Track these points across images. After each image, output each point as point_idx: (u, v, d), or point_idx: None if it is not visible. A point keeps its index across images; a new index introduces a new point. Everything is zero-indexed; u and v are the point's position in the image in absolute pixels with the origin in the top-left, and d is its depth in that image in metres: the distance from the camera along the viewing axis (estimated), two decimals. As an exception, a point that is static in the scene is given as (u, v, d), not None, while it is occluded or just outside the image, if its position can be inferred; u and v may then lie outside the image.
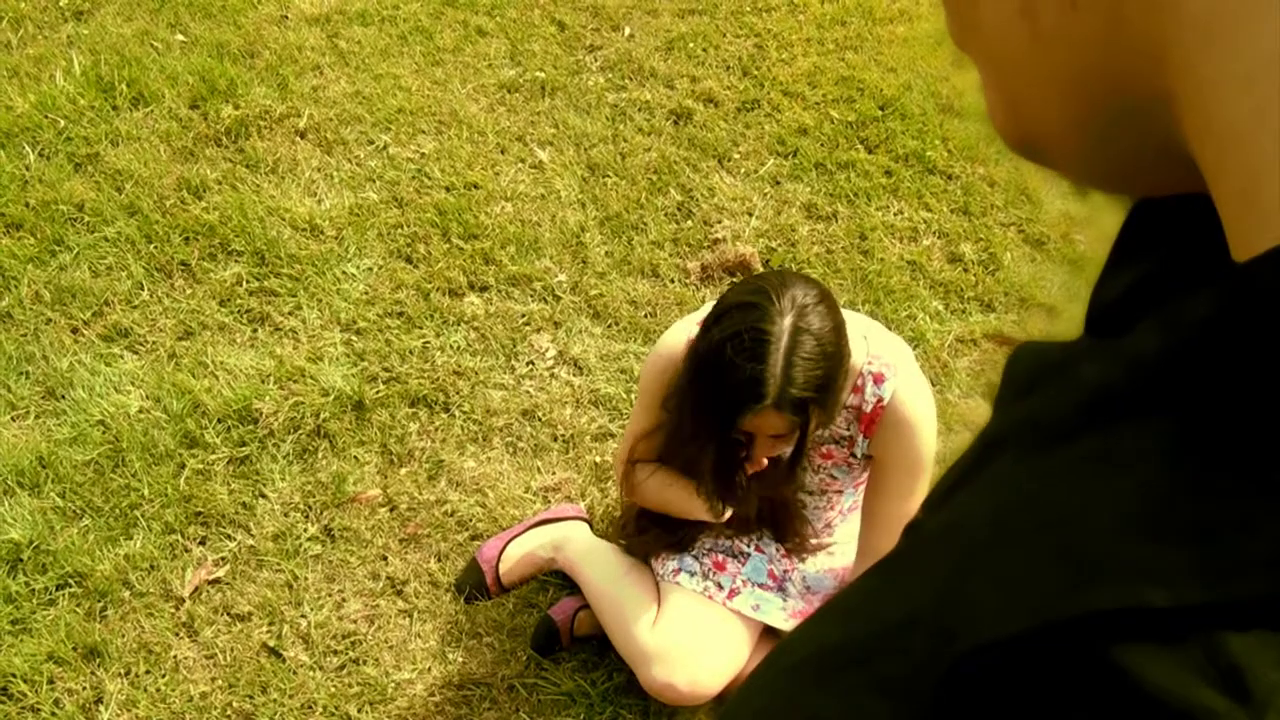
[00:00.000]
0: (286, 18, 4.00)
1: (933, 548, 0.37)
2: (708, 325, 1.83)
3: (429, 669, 2.20)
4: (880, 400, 1.95)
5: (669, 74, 3.86)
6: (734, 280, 3.08)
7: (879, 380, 1.95)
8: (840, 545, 2.27)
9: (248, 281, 2.96)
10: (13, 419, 2.60)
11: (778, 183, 3.44)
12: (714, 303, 1.89)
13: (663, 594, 2.19)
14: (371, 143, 3.47)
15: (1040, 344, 0.38)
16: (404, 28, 3.98)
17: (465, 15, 4.07)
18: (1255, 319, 0.26)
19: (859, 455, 2.03)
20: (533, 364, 2.81)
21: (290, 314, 2.88)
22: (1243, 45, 0.27)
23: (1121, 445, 0.29)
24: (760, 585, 2.19)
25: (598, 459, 2.60)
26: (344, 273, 3.00)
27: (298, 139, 3.47)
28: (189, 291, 2.94)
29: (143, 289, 2.94)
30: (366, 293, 2.96)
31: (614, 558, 2.28)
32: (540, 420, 2.67)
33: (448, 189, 3.31)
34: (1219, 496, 0.26)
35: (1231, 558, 0.26)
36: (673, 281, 3.06)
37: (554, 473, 2.57)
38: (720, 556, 2.21)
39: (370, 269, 3.03)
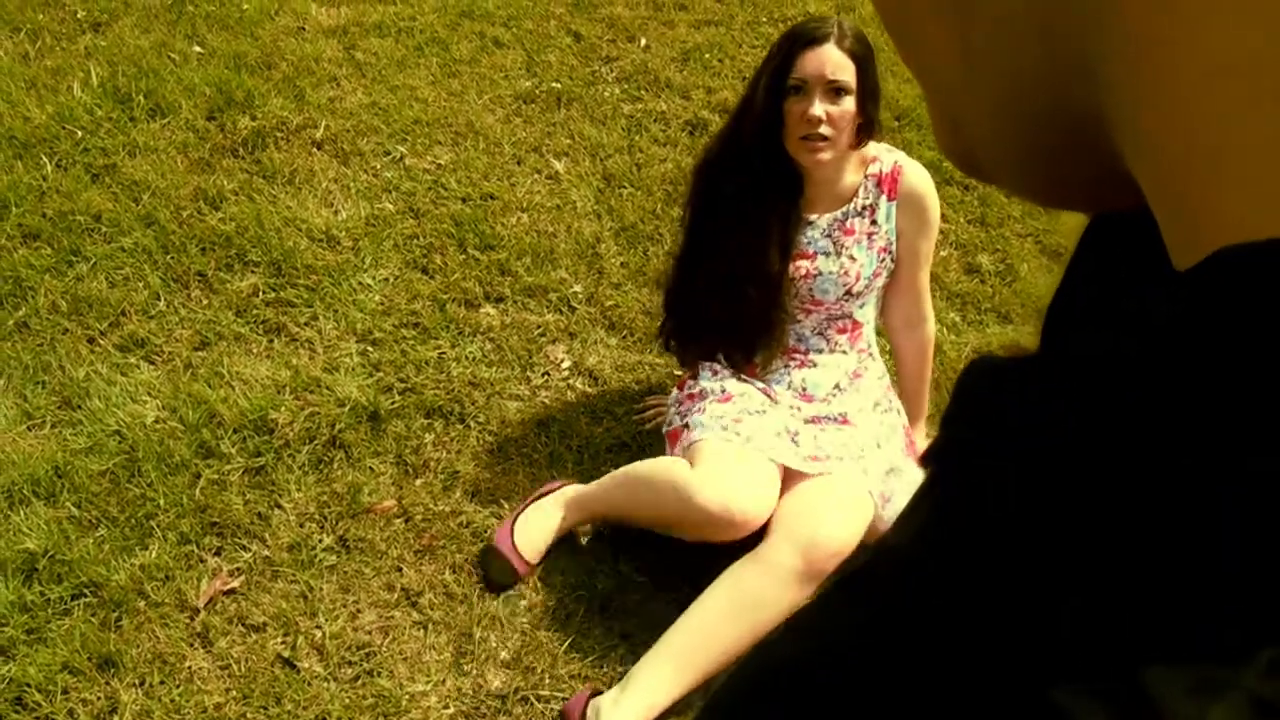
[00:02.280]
0: (304, 29, 4.02)
1: (886, 569, 0.36)
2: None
3: (443, 681, 2.19)
4: (896, 165, 2.36)
5: (685, 85, 3.86)
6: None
7: (889, 154, 2.40)
8: (853, 414, 2.42)
9: (264, 292, 2.97)
10: (29, 428, 2.61)
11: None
12: None
13: (690, 454, 2.29)
14: (388, 154, 3.47)
15: (994, 359, 0.37)
16: (420, 39, 3.99)
17: (482, 26, 4.08)
18: (1193, 326, 0.26)
19: (880, 226, 2.35)
20: (548, 375, 2.80)
21: (306, 324, 2.88)
22: (1174, 62, 0.26)
23: (1069, 460, 0.29)
24: (776, 435, 2.30)
25: (613, 470, 2.60)
26: (360, 283, 3.00)
27: (314, 150, 3.48)
28: (205, 302, 2.94)
29: (159, 299, 2.94)
30: (382, 303, 2.95)
31: (621, 470, 2.38)
32: (555, 431, 2.66)
33: (464, 200, 3.31)
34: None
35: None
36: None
37: (570, 483, 2.56)
38: (738, 414, 2.32)
39: (386, 279, 3.03)
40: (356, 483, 2.51)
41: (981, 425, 0.34)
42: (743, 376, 2.47)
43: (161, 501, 2.45)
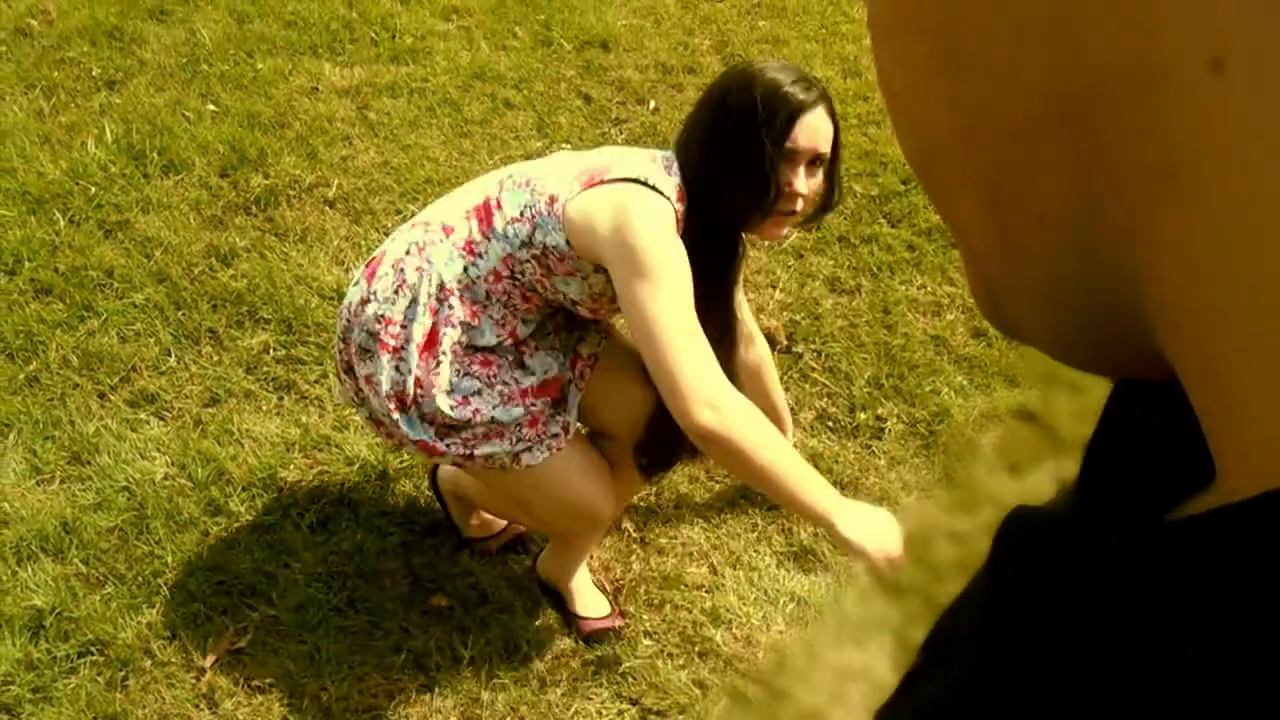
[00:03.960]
0: (317, 89, 4.06)
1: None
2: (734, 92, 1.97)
3: (450, 745, 2.17)
4: None
5: (693, 147, 3.90)
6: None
7: None
8: None
9: (274, 349, 2.98)
10: (37, 484, 2.61)
11: (801, 256, 3.46)
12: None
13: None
14: (399, 212, 3.50)
15: (1031, 513, 0.38)
16: (433, 100, 4.03)
17: (493, 88, 4.12)
18: (1243, 567, 0.26)
19: None
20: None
21: (316, 382, 2.89)
22: (1224, 280, 0.26)
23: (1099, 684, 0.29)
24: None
25: (619, 525, 2.60)
26: (370, 341, 3.01)
27: (326, 208, 3.51)
28: (216, 358, 2.95)
29: (170, 355, 2.95)
30: (392, 362, 2.96)
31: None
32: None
33: (474, 259, 3.33)
34: None
35: None
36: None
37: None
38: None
39: (396, 338, 3.04)
40: (364, 542, 2.51)
41: (1022, 585, 0.35)
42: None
43: (169, 559, 2.44)
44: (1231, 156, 0.24)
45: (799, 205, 1.99)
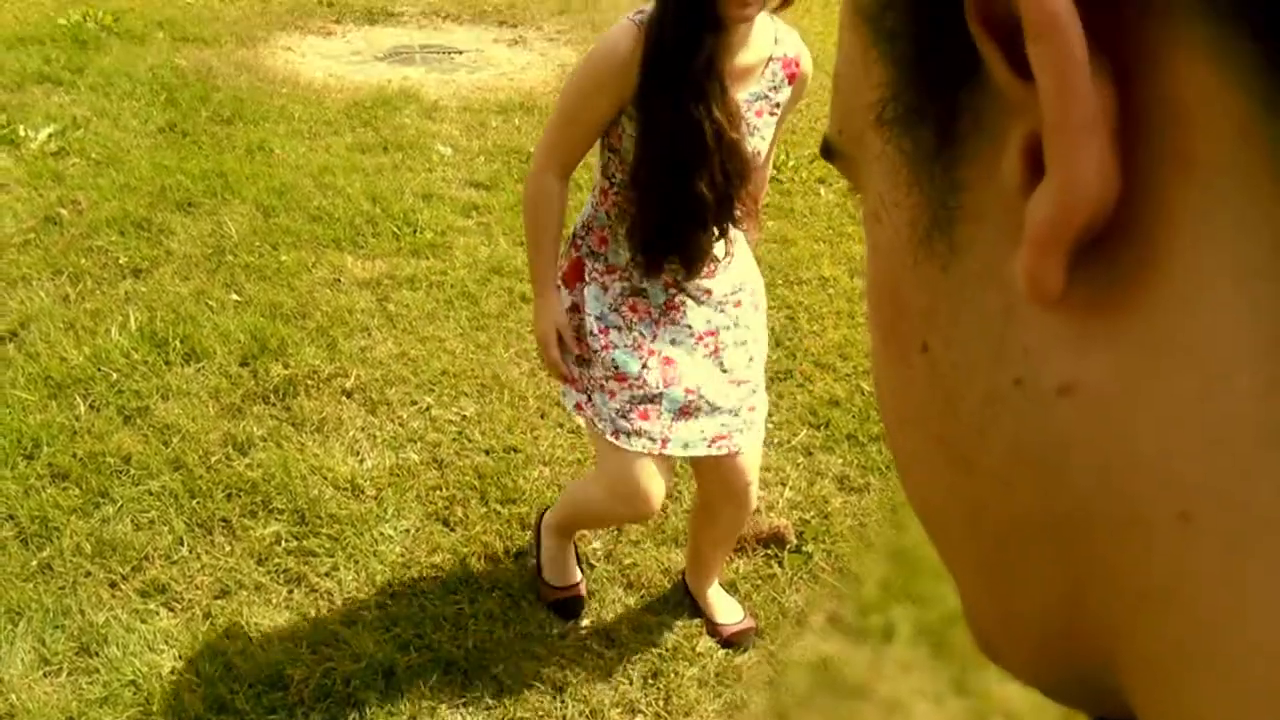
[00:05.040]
0: (339, 281, 4.18)
1: None
2: None
3: None
4: (797, 53, 2.34)
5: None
6: (769, 554, 3.10)
7: (788, 36, 2.35)
8: (739, 278, 2.52)
9: (286, 540, 2.99)
10: (44, 675, 2.59)
11: (810, 453, 3.50)
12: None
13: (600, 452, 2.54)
14: (415, 403, 3.56)
15: None
16: (451, 293, 4.14)
17: (510, 282, 4.24)
18: None
19: (780, 109, 2.37)
20: (565, 636, 2.79)
21: (327, 574, 2.90)
22: (1189, 695, 0.27)
23: None
24: (676, 415, 2.41)
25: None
26: (381, 534, 3.03)
27: (344, 398, 3.57)
28: (228, 549, 2.97)
29: (183, 544, 2.97)
30: (403, 555, 2.98)
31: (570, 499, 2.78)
32: (570, 694, 2.64)
33: (487, 452, 3.37)
34: None
35: None
36: (707, 552, 3.07)
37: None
38: (628, 403, 2.40)
39: (408, 530, 3.06)
40: (370, 743, 2.47)
41: None
42: (641, 291, 2.42)
43: (172, 758, 2.41)
44: (1200, 596, 0.26)
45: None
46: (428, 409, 3.55)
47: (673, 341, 2.42)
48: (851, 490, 3.35)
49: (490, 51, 7.56)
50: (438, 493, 3.20)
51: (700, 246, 2.32)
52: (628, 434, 2.37)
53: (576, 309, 2.45)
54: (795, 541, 3.13)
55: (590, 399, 2.45)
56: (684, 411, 2.39)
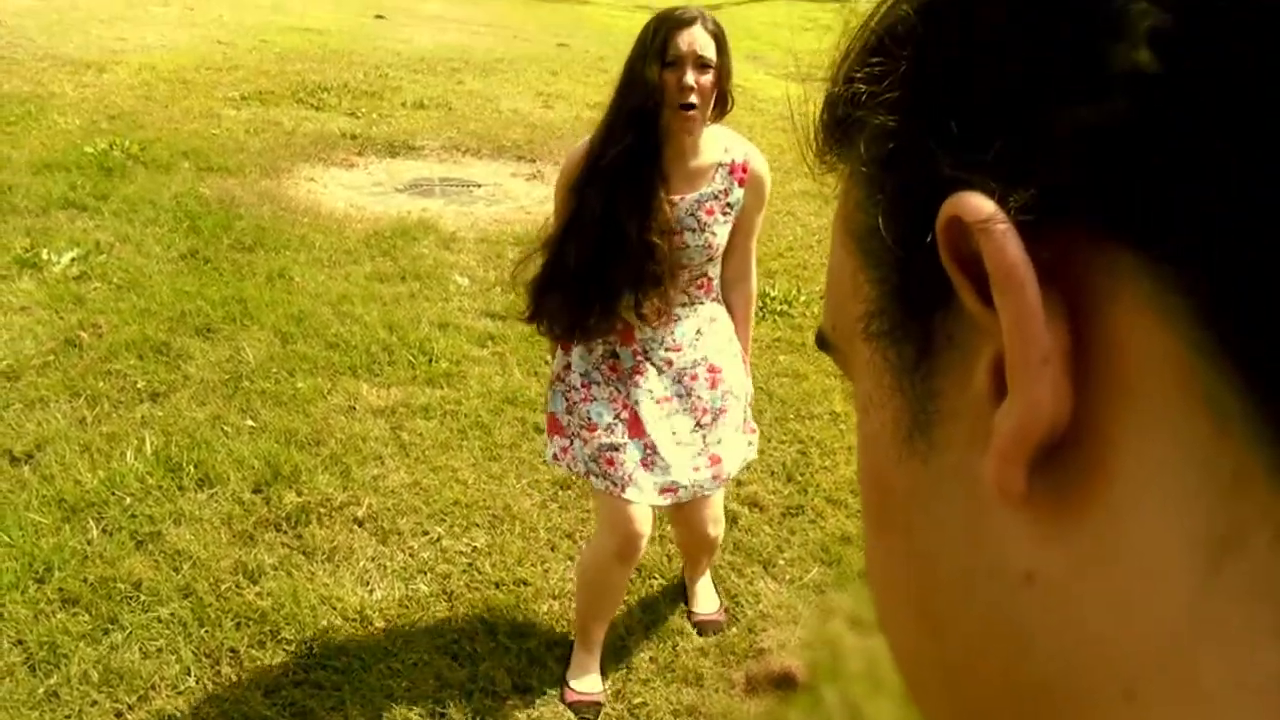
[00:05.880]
0: (354, 408, 4.21)
1: None
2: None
3: None
4: (746, 157, 2.74)
5: (716, 478, 3.98)
6: (780, 694, 3.06)
7: (738, 144, 2.77)
8: (714, 357, 2.85)
9: (294, 673, 2.97)
10: (43, 808, 2.55)
11: (822, 591, 3.48)
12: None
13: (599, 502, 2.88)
14: (426, 534, 3.56)
15: None
16: (465, 422, 4.17)
17: (524, 413, 4.27)
18: None
19: (733, 207, 2.73)
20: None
21: (333, 709, 2.86)
22: None
23: None
24: (637, 465, 2.73)
25: None
26: (390, 668, 3.00)
27: (355, 527, 3.57)
28: (235, 680, 2.94)
29: (190, 674, 2.94)
30: (409, 690, 2.94)
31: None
32: (579, 837, 2.59)
33: (497, 584, 3.36)
34: None
35: None
36: (717, 691, 3.04)
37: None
38: (603, 451, 2.74)
39: (415, 664, 3.03)
40: None
41: None
42: (615, 354, 2.80)
43: None
44: None
45: (691, 98, 2.53)
46: (439, 539, 3.54)
47: (638, 401, 2.76)
48: (864, 629, 3.32)
49: (508, 185, 7.73)
50: (447, 625, 3.18)
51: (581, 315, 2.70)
52: (598, 476, 2.73)
53: (569, 368, 2.82)
54: (806, 682, 3.10)
55: (571, 444, 2.80)
56: (644, 463, 2.73)
